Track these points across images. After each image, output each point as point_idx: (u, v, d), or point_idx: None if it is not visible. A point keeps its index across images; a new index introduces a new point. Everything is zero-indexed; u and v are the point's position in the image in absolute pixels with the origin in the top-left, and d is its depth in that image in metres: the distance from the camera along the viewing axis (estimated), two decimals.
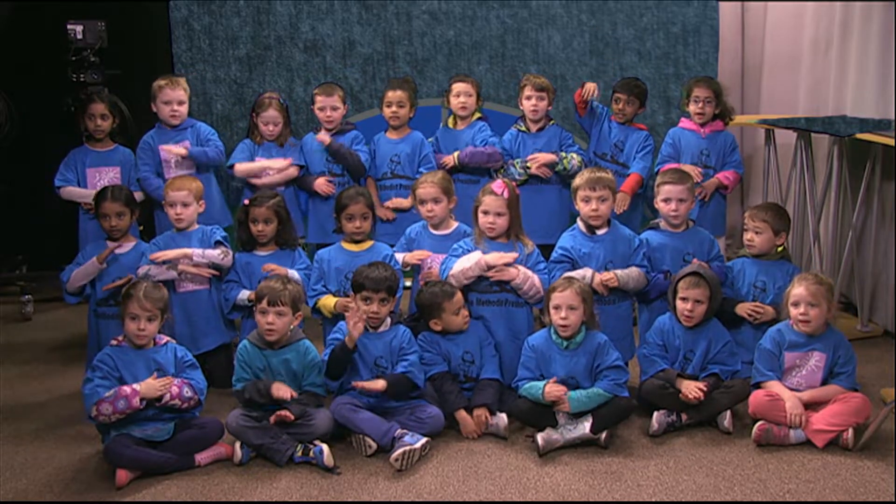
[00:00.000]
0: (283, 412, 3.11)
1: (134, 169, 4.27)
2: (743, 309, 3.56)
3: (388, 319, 3.33)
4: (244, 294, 3.66)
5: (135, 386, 3.00)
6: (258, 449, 3.11)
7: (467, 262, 3.47)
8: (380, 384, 3.18)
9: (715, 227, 4.19)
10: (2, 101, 5.11)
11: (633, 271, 3.53)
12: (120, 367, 3.07)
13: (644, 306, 3.74)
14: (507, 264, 3.45)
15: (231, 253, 3.74)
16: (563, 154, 4.24)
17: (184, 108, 4.22)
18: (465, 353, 3.43)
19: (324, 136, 4.23)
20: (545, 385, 3.20)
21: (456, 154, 4.25)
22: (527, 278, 3.45)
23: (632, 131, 4.39)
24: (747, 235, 3.64)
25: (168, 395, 3.03)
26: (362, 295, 3.27)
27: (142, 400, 2.99)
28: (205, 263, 3.69)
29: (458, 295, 3.39)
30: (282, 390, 3.13)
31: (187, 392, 3.08)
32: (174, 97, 4.19)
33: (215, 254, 3.70)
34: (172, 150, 4.13)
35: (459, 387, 3.40)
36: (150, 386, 3.01)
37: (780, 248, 3.68)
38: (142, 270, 3.62)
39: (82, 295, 3.78)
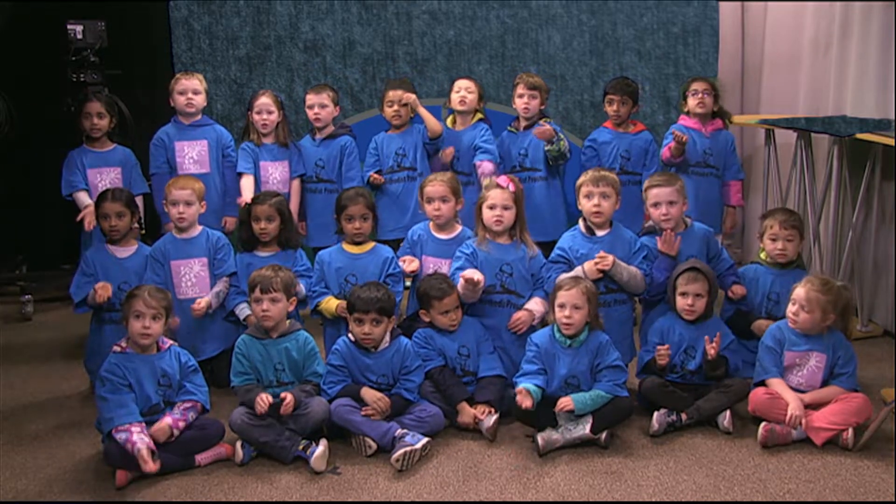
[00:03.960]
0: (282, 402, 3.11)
1: (135, 169, 4.28)
2: (759, 328, 3.51)
3: (388, 337, 3.32)
4: (245, 312, 3.66)
5: (142, 436, 2.93)
6: (263, 447, 3.11)
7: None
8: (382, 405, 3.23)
9: (717, 225, 4.20)
10: (2, 101, 5.10)
11: (632, 268, 3.52)
12: (126, 374, 3.05)
13: (646, 311, 3.74)
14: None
15: (228, 287, 3.76)
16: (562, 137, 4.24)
17: (199, 98, 4.23)
18: (461, 346, 3.44)
19: None
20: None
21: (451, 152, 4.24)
22: (544, 308, 3.47)
23: (633, 138, 4.37)
24: (778, 245, 3.58)
25: (175, 433, 3.03)
26: (355, 316, 3.26)
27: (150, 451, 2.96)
28: (218, 300, 3.73)
29: (450, 299, 3.38)
30: (260, 405, 3.10)
31: (191, 416, 3.09)
32: (189, 86, 4.20)
33: (223, 290, 3.74)
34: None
35: (459, 379, 3.41)
36: (159, 430, 2.99)
37: None
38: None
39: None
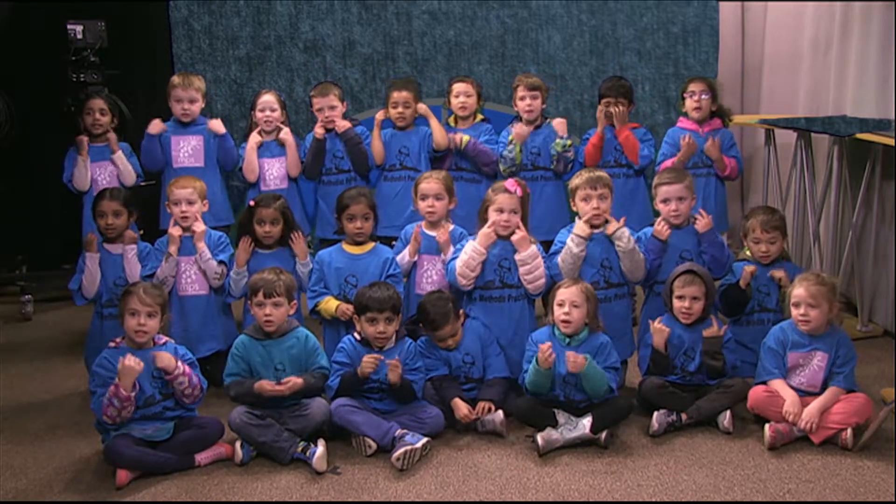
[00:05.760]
0: (280, 387, 3.14)
1: (130, 159, 4.32)
2: (745, 277, 3.56)
3: (394, 336, 3.33)
4: (233, 270, 3.68)
5: (116, 381, 2.97)
6: (261, 447, 3.11)
7: (465, 255, 3.49)
8: (396, 370, 3.21)
9: (717, 224, 4.19)
10: (2, 101, 5.11)
11: (639, 253, 3.54)
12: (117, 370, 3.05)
13: (645, 301, 3.75)
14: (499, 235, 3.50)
15: (226, 277, 3.73)
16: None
17: (195, 107, 4.25)
18: (465, 355, 3.44)
19: (344, 122, 4.25)
20: (536, 356, 3.20)
21: (467, 137, 4.25)
22: (536, 255, 3.48)
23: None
24: (761, 248, 3.60)
25: (179, 369, 3.05)
26: (367, 317, 3.26)
27: (134, 386, 2.98)
28: (204, 260, 3.70)
29: (447, 329, 3.39)
30: (265, 387, 3.15)
31: (194, 379, 3.09)
32: (185, 96, 4.22)
33: (214, 268, 3.72)
34: (212, 124, 4.24)
35: (458, 384, 3.41)
36: (126, 369, 2.96)
37: None
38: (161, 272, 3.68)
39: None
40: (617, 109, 4.22)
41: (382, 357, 3.20)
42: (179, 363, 3.09)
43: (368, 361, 3.19)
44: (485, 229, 3.49)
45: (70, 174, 4.26)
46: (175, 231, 3.70)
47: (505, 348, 3.52)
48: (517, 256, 3.48)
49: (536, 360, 3.18)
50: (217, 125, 4.25)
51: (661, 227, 3.59)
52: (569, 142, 4.22)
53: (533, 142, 4.30)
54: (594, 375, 3.19)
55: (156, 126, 4.21)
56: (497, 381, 3.42)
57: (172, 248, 3.68)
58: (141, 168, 4.37)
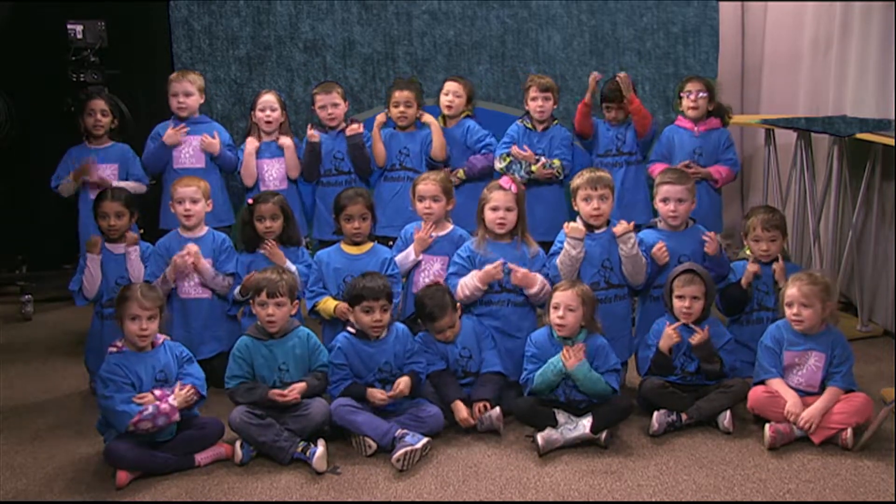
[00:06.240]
0: (286, 396, 3.14)
1: (134, 162, 4.31)
2: (747, 275, 3.56)
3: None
4: (236, 290, 3.69)
5: (170, 401, 3.00)
6: (261, 447, 3.11)
7: (466, 289, 3.49)
8: (402, 387, 3.22)
9: (713, 225, 4.18)
10: (2, 101, 5.11)
11: (642, 258, 3.54)
12: (128, 373, 3.05)
13: (640, 305, 3.75)
14: (496, 266, 3.47)
15: (232, 287, 3.73)
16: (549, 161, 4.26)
17: (191, 101, 4.25)
18: (462, 349, 3.45)
19: (355, 126, 4.26)
20: (559, 356, 3.19)
21: (461, 172, 4.29)
22: (544, 286, 3.48)
23: (627, 125, 4.37)
24: (762, 246, 3.61)
25: (177, 416, 3.04)
26: (363, 306, 3.27)
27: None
28: (209, 278, 3.71)
29: (445, 320, 3.39)
30: (277, 395, 3.15)
31: (171, 401, 3.06)
32: (180, 89, 4.23)
33: (221, 283, 3.73)
34: (206, 141, 4.19)
35: (457, 381, 3.42)
36: (182, 398, 3.03)
37: None
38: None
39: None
40: (621, 76, 4.23)
41: (389, 399, 3.22)
42: (191, 396, 3.08)
43: (378, 399, 3.22)
44: (489, 268, 3.44)
45: (58, 183, 4.23)
46: (175, 261, 3.64)
47: (505, 351, 3.51)
48: (528, 292, 3.48)
49: (562, 362, 3.18)
50: (211, 146, 4.20)
51: (659, 253, 3.56)
52: (533, 167, 4.19)
53: (539, 144, 4.31)
54: (587, 378, 3.19)
55: (174, 136, 4.17)
56: (490, 378, 3.42)
57: (171, 275, 3.66)
58: (143, 170, 4.36)
